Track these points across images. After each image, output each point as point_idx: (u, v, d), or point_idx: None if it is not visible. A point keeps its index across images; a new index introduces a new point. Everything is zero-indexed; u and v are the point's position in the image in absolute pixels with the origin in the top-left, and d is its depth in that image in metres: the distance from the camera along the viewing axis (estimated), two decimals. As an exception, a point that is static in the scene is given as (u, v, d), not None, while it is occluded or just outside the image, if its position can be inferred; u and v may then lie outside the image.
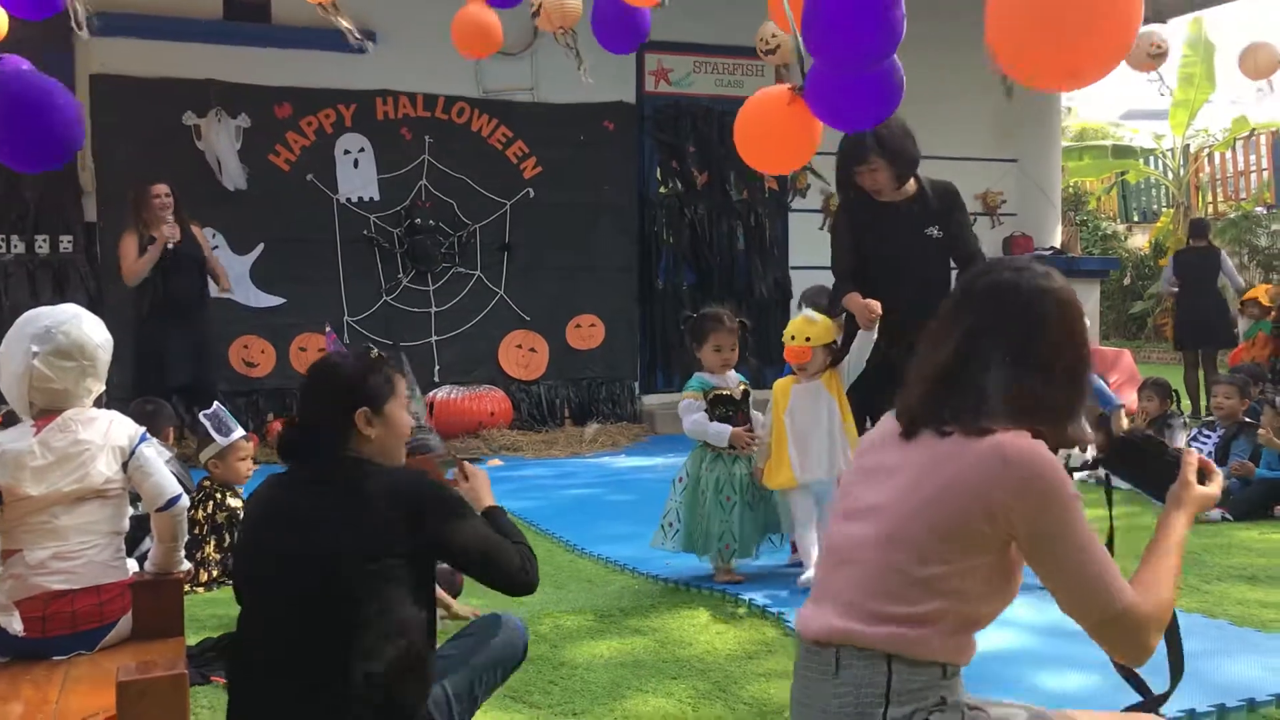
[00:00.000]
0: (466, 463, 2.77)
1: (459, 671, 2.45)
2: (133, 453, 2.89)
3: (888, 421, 1.99)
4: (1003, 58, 2.68)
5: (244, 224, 8.44)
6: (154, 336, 6.95)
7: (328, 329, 7.71)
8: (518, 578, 2.44)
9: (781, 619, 3.94)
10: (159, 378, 6.84)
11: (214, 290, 7.45)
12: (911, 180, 4.53)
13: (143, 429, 3.00)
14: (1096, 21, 2.51)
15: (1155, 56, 8.29)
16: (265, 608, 2.29)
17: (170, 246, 6.91)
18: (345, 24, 4.43)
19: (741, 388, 4.55)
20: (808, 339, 4.37)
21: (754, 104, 3.58)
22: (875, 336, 4.29)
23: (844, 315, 4.49)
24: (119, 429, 2.91)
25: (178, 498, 2.94)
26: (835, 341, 4.44)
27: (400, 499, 2.27)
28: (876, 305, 4.24)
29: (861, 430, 4.45)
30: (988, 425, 1.79)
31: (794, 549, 4.60)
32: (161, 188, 7.01)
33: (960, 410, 1.82)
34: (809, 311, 4.57)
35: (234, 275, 8.34)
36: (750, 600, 4.15)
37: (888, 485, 1.87)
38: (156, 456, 2.97)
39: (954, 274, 4.52)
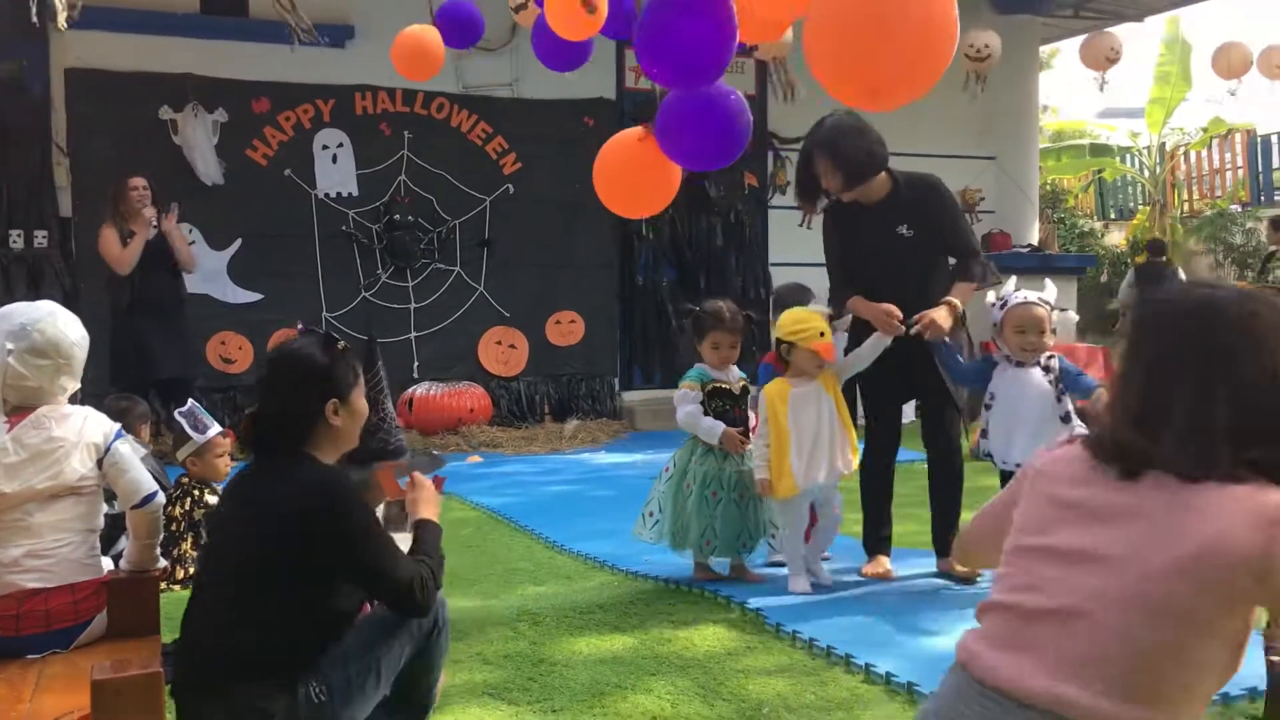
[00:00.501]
0: (417, 474, 2.77)
1: (353, 635, 2.45)
2: (108, 449, 2.88)
3: (1072, 449, 1.79)
4: (815, 69, 2.69)
5: (221, 219, 8.39)
6: (131, 331, 6.93)
7: (299, 327, 7.68)
8: (405, 600, 2.40)
9: (760, 616, 3.95)
10: (136, 373, 6.82)
11: (190, 286, 7.41)
12: (885, 179, 4.41)
13: (118, 425, 2.98)
14: (901, 46, 2.51)
15: (1111, 60, 8.42)
16: (196, 601, 2.38)
17: (154, 227, 6.92)
18: (293, 19, 4.40)
19: (741, 384, 4.43)
20: (821, 334, 4.20)
21: (610, 146, 3.62)
22: (890, 341, 4.21)
23: (848, 316, 4.43)
24: (93, 426, 2.89)
25: (154, 494, 2.93)
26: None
27: (299, 505, 2.27)
28: (897, 310, 4.17)
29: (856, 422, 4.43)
30: (1232, 469, 1.60)
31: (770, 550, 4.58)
32: (139, 180, 7.02)
33: (1192, 451, 1.63)
34: (818, 305, 4.46)
35: (211, 271, 8.32)
36: (730, 598, 4.16)
37: (1118, 533, 1.64)
38: (132, 453, 2.96)
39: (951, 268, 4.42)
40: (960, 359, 4.31)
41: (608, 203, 3.72)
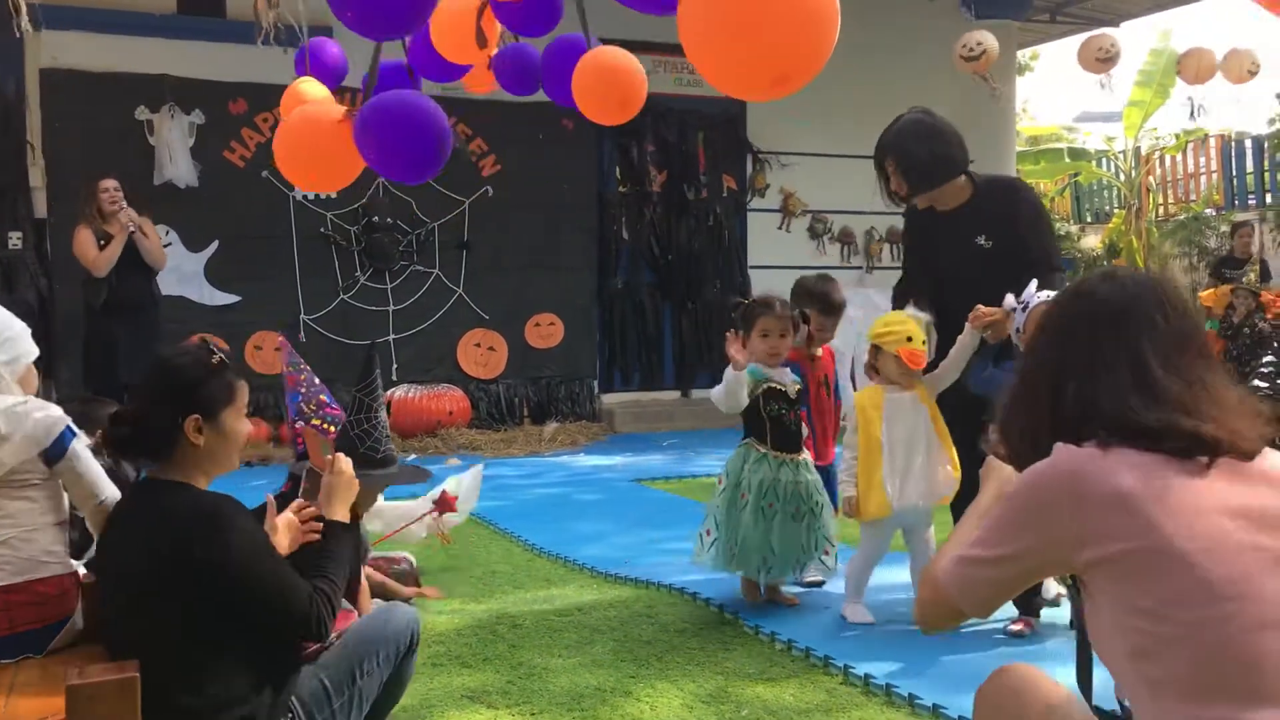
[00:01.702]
0: (340, 455, 2.59)
1: (338, 664, 2.39)
2: (57, 446, 2.82)
3: (1119, 457, 1.58)
4: (704, 70, 2.54)
5: (198, 221, 8.34)
6: (105, 332, 6.88)
7: (280, 339, 7.62)
8: (300, 634, 2.25)
9: (739, 619, 3.95)
10: (109, 374, 6.77)
11: (166, 288, 7.36)
12: (965, 184, 4.08)
13: (66, 422, 2.93)
14: (795, 24, 2.40)
15: (1104, 60, 8.44)
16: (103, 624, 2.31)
17: (131, 229, 6.86)
18: (265, 20, 4.34)
19: (797, 388, 4.07)
20: (923, 341, 3.87)
21: (303, 113, 3.49)
22: (977, 343, 3.80)
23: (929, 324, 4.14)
24: (35, 419, 2.83)
25: (108, 495, 2.88)
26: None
27: (170, 532, 2.15)
28: (984, 309, 3.75)
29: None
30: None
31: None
32: (110, 182, 6.97)
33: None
34: (913, 310, 4.08)
35: (188, 273, 8.27)
36: (709, 600, 4.16)
37: None
38: (86, 453, 2.91)
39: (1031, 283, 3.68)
40: (990, 368, 3.80)
41: (282, 165, 3.54)
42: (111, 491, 2.91)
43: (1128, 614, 1.52)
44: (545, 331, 9.47)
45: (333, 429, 4.20)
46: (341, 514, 2.47)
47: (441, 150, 3.35)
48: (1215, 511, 1.52)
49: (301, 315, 8.65)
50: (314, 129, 3.40)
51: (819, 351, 4.60)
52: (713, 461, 7.54)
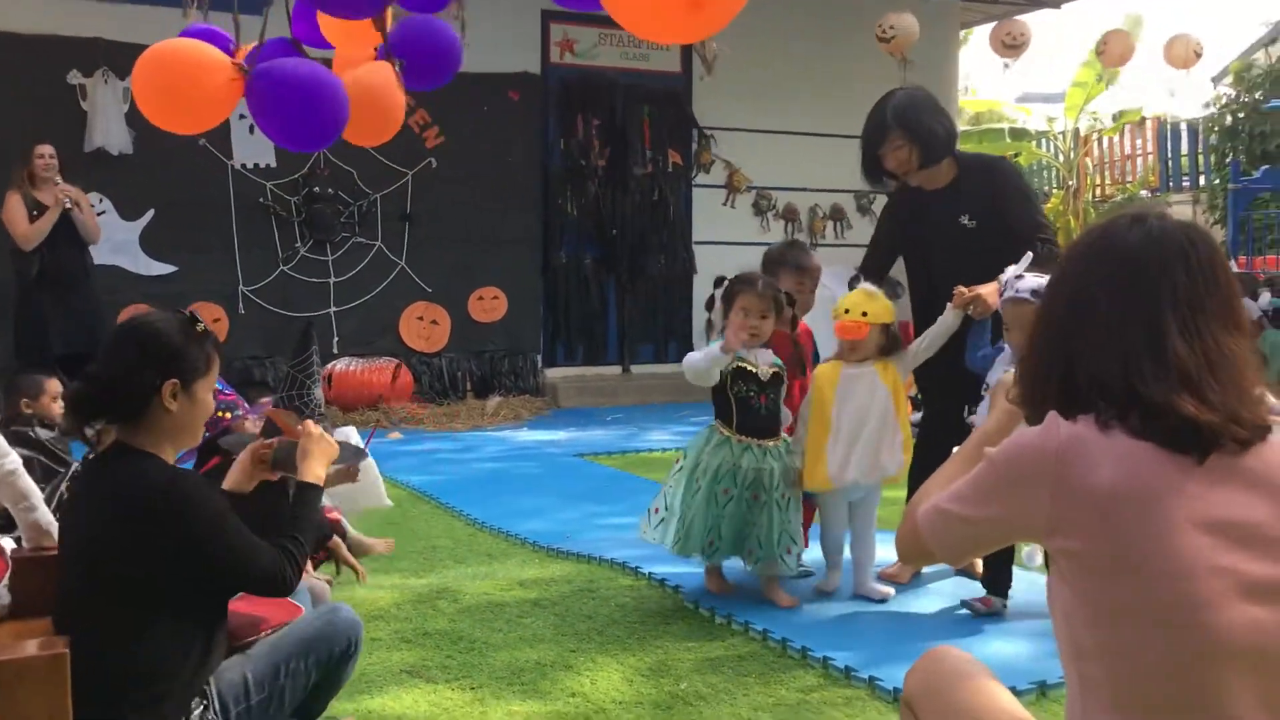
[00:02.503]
0: (310, 422, 2.58)
1: (265, 659, 2.36)
2: None
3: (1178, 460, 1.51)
4: (616, 13, 2.49)
5: (132, 189, 8.16)
6: (37, 304, 6.73)
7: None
8: (268, 590, 2.28)
9: (678, 592, 3.98)
10: (41, 348, 6.62)
11: (99, 257, 7.21)
12: (951, 164, 4.07)
13: None
14: None
15: (1012, 46, 8.59)
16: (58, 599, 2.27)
17: (67, 205, 6.70)
18: None
19: (772, 371, 3.81)
20: (865, 314, 3.83)
21: (190, 50, 3.31)
22: (958, 324, 3.80)
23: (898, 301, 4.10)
24: None
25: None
26: (893, 325, 3.91)
27: (137, 506, 2.14)
28: (964, 289, 3.74)
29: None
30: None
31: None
32: (46, 148, 6.81)
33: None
34: (868, 285, 3.97)
35: (122, 242, 8.09)
36: (650, 575, 4.18)
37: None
38: None
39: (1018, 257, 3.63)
40: (987, 347, 3.81)
41: (140, 97, 3.40)
42: (13, 459, 2.84)
43: (1080, 607, 1.53)
44: (489, 305, 9.42)
45: (227, 415, 4.14)
46: (315, 474, 2.46)
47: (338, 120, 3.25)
48: (1192, 525, 1.47)
49: (240, 287, 8.51)
50: (202, 70, 3.23)
51: (796, 331, 4.25)
52: (656, 437, 7.58)
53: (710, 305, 3.90)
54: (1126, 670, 1.48)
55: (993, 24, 10.83)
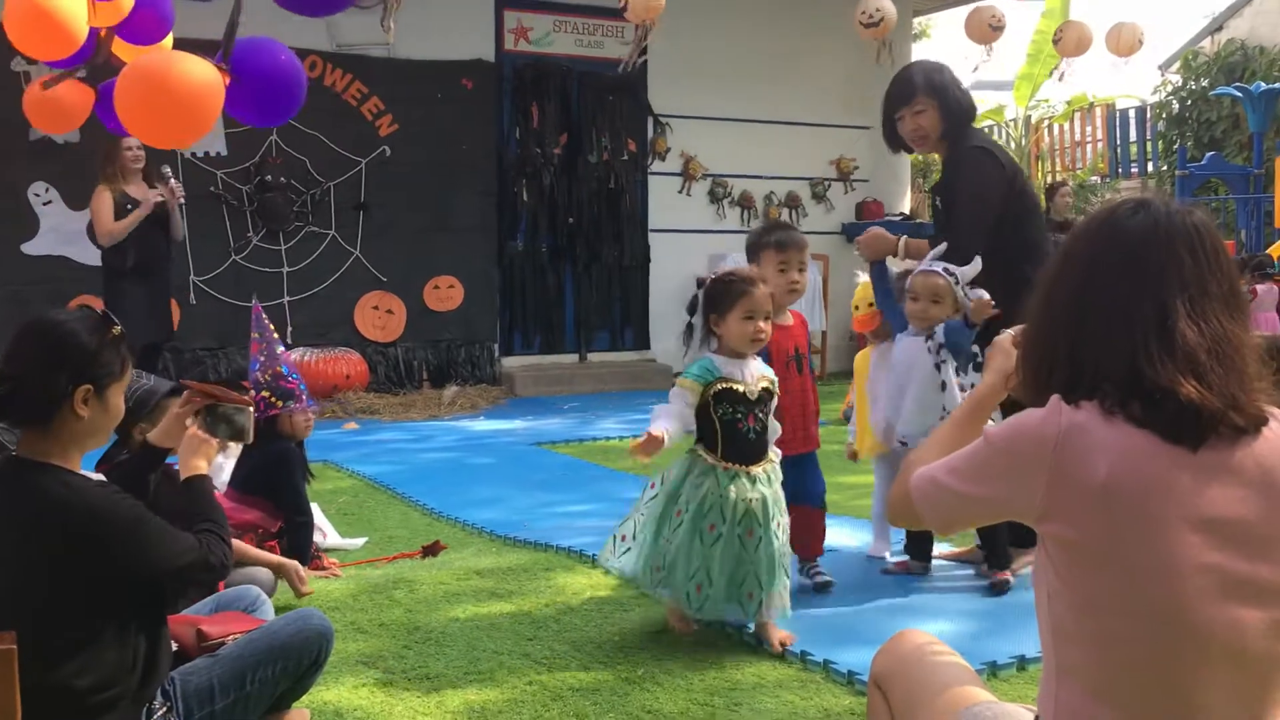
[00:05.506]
0: (190, 421, 2.52)
1: (232, 664, 2.33)
2: None
3: (1166, 454, 1.51)
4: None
5: (80, 177, 7.96)
6: (130, 296, 6.55)
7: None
8: (198, 580, 2.29)
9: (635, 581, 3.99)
10: (134, 337, 6.47)
11: (47, 248, 7.08)
12: (946, 148, 4.07)
13: None
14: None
15: (996, 29, 8.64)
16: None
17: (158, 202, 6.59)
18: None
19: (763, 384, 3.38)
20: (871, 304, 4.01)
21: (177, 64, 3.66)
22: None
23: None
24: None
25: None
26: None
27: (54, 535, 2.08)
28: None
29: None
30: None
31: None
32: (133, 140, 6.58)
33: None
34: (864, 276, 4.13)
35: (70, 232, 7.97)
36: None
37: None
38: None
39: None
40: (890, 286, 4.01)
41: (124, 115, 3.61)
42: None
43: (1065, 592, 1.54)
44: (444, 294, 9.37)
45: (280, 404, 4.08)
46: (197, 467, 2.43)
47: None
48: (1184, 523, 1.47)
49: (191, 276, 8.40)
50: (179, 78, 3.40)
51: (788, 319, 3.83)
52: (611, 425, 7.58)
53: (692, 308, 3.45)
54: (1105, 658, 1.50)
55: (946, 11, 10.88)
